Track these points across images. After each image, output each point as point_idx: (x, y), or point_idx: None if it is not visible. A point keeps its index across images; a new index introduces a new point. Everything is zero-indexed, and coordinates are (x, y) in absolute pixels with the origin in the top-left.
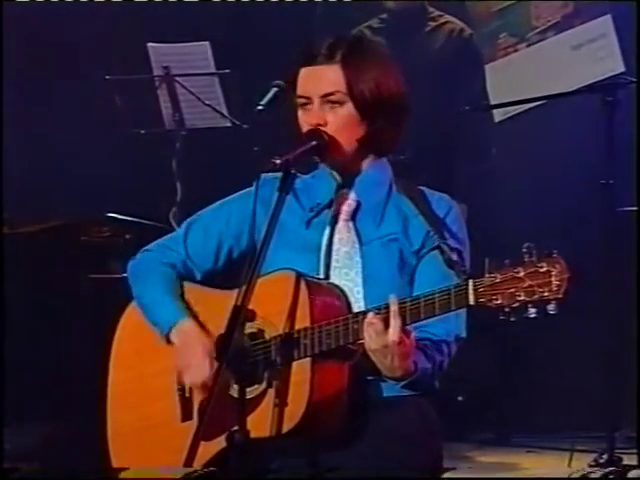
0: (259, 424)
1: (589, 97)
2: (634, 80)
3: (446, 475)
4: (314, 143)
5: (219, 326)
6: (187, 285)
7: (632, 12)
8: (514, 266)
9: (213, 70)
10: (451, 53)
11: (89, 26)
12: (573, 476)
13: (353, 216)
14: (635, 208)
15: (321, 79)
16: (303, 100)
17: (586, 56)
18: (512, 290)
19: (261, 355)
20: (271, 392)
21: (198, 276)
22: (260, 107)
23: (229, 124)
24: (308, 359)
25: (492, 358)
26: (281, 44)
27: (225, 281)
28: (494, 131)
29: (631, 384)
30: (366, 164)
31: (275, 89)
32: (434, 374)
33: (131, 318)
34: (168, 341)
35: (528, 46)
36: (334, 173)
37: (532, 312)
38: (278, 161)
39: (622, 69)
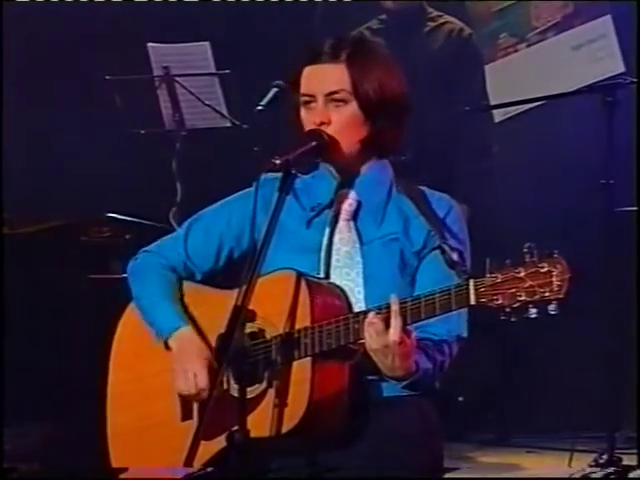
0: (259, 424)
1: (589, 97)
2: (634, 80)
3: (446, 475)
4: (314, 143)
5: (219, 326)
6: (187, 285)
7: (632, 12)
8: (515, 266)
9: (213, 70)
10: (451, 53)
11: (89, 26)
12: (573, 476)
13: (354, 216)
14: (635, 208)
15: (326, 77)
16: (307, 98)
17: (586, 56)
18: (513, 290)
19: (261, 355)
20: (271, 392)
21: (198, 276)
22: (260, 107)
23: (229, 124)
24: (308, 359)
25: (492, 358)
26: (281, 44)
27: (225, 281)
28: (494, 131)
29: (631, 384)
30: (367, 164)
31: (275, 89)
32: (435, 374)
33: (131, 318)
34: (166, 346)
35: (528, 46)
36: (334, 173)
37: (533, 312)
38: (278, 161)
39: (622, 69)
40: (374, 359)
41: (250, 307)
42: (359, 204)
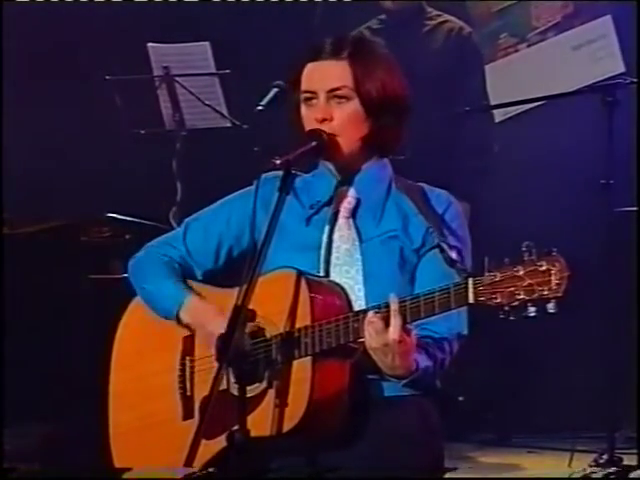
0: (259, 423)
1: (589, 97)
2: (634, 80)
3: (446, 475)
4: (314, 143)
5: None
6: (188, 283)
7: (632, 12)
8: (514, 265)
9: (213, 70)
10: (450, 51)
11: (89, 26)
12: (573, 476)
13: (353, 213)
14: (635, 208)
15: (328, 74)
16: (308, 95)
17: (586, 56)
18: (512, 289)
19: (262, 354)
20: (272, 391)
21: (198, 274)
22: (260, 107)
23: (229, 124)
24: (309, 358)
25: (493, 358)
26: (281, 44)
27: (226, 280)
28: (494, 131)
29: (631, 384)
30: (367, 162)
31: (275, 89)
32: (435, 372)
33: (133, 317)
34: (179, 322)
35: (528, 46)
36: (334, 170)
37: (532, 311)
38: (278, 161)
39: (622, 69)
40: (374, 358)
41: (250, 306)
42: (358, 202)
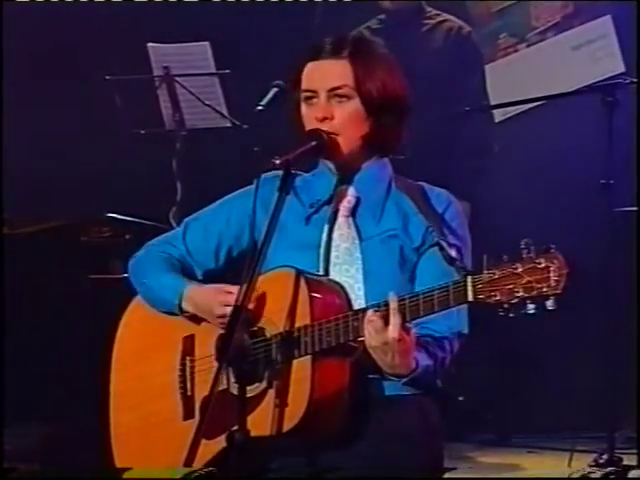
0: (259, 423)
1: (589, 97)
2: (634, 80)
3: (446, 475)
4: (314, 143)
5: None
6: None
7: (632, 12)
8: (512, 262)
9: (213, 70)
10: (450, 50)
11: (89, 26)
12: (573, 476)
13: (353, 212)
14: (635, 208)
15: (329, 73)
16: (308, 94)
17: (586, 56)
18: (510, 286)
19: (261, 353)
20: (272, 391)
21: (199, 274)
22: (260, 107)
23: (229, 124)
24: (309, 357)
25: (493, 358)
26: (281, 44)
27: (226, 280)
28: (494, 131)
29: (631, 384)
30: (367, 161)
31: (275, 89)
32: (436, 371)
33: (133, 317)
34: (181, 311)
35: (528, 46)
36: (334, 169)
37: (531, 308)
38: (278, 161)
39: (622, 69)
40: (374, 356)
41: (250, 306)
42: (358, 200)
